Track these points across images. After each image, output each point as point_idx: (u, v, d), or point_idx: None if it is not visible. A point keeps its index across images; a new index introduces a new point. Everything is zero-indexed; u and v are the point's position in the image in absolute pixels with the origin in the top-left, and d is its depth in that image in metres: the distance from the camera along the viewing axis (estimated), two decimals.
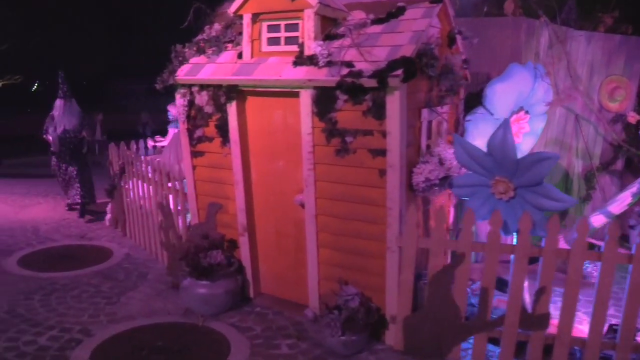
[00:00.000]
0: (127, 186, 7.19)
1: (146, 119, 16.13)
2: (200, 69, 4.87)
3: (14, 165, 14.28)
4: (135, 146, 7.86)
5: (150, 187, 6.32)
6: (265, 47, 4.62)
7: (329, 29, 4.42)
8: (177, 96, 5.03)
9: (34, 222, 8.20)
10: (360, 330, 4.24)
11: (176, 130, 8.41)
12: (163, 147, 8.68)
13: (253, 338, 4.55)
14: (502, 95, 5.08)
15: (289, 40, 4.50)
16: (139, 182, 6.67)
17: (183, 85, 4.98)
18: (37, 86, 34.32)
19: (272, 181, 4.92)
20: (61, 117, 7.84)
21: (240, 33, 4.80)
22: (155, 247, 6.50)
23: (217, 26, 5.13)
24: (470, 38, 4.70)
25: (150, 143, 8.56)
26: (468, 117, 5.16)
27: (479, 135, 5.01)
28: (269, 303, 5.21)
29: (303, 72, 4.24)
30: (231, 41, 4.94)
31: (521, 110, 5.38)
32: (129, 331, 4.63)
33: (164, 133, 9.61)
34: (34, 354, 4.20)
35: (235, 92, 4.66)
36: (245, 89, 4.66)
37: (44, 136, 8.06)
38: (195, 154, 5.20)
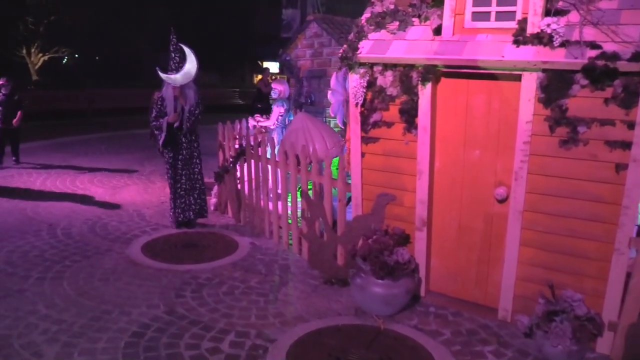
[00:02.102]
0: (245, 170, 6.76)
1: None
2: (386, 46, 4.38)
3: (71, 144, 13.89)
4: (239, 126, 7.41)
5: (281, 172, 5.88)
6: (470, 23, 4.12)
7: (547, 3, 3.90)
8: (353, 76, 4.55)
9: (134, 205, 7.81)
10: (587, 340, 3.82)
11: (282, 109, 7.96)
12: (264, 127, 8.22)
13: (447, 344, 4.15)
14: None
15: (502, 16, 4.00)
16: (262, 166, 6.25)
17: (362, 64, 4.49)
18: (66, 60, 33.86)
19: (460, 171, 4.46)
20: (180, 95, 6.34)
21: (430, 5, 4.30)
22: (287, 236, 6.09)
23: None
24: None
25: (251, 122, 8.09)
26: None
27: None
28: (442, 302, 4.81)
29: (531, 53, 3.74)
30: (417, 15, 4.42)
31: None
32: (312, 335, 4.23)
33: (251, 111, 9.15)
34: None
35: (432, 72, 4.18)
36: (444, 69, 4.17)
37: (158, 122, 6.48)
38: (366, 140, 4.74)
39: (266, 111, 13.47)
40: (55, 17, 27.25)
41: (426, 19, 4.36)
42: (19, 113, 10.49)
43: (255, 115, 8.40)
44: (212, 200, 7.55)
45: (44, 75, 29.96)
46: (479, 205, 4.43)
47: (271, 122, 8.27)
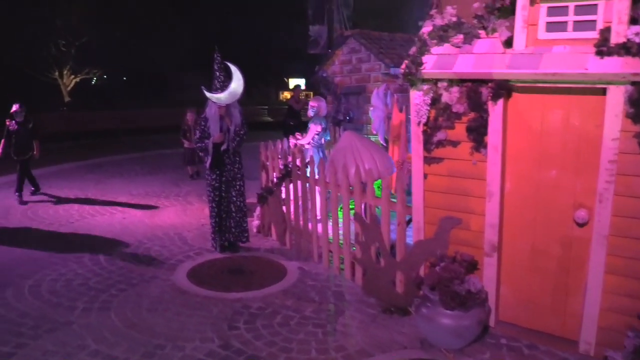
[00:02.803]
0: (290, 191, 6.52)
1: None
2: (452, 60, 4.12)
3: (105, 165, 13.86)
4: (280, 146, 7.20)
5: (332, 193, 5.63)
6: (544, 34, 3.83)
7: None
8: (415, 93, 4.28)
9: (174, 228, 7.63)
10: None
11: (319, 128, 7.73)
12: (302, 145, 7.98)
13: None
14: None
15: (580, 26, 3.70)
16: (310, 187, 6.00)
17: (425, 80, 4.22)
18: (95, 80, 34.35)
19: (534, 193, 4.15)
20: (226, 114, 6.14)
21: (497, 16, 4.02)
22: (338, 261, 5.82)
23: (450, 10, 4.36)
24: None
25: (292, 141, 7.86)
26: None
27: None
28: (513, 333, 4.46)
29: (618, 64, 3.44)
30: (483, 27, 4.15)
31: None
32: None
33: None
34: None
35: (505, 88, 3.89)
36: (518, 84, 3.88)
37: (203, 143, 6.25)
38: (429, 161, 4.46)
39: (298, 128, 13.32)
40: (85, 39, 27.73)
41: (493, 30, 4.09)
42: (36, 144, 9.30)
43: (296, 133, 8.16)
44: (255, 223, 7.33)
45: (76, 96, 30.42)
46: (555, 228, 4.11)
47: (306, 141, 8.03)
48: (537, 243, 4.24)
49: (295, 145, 7.91)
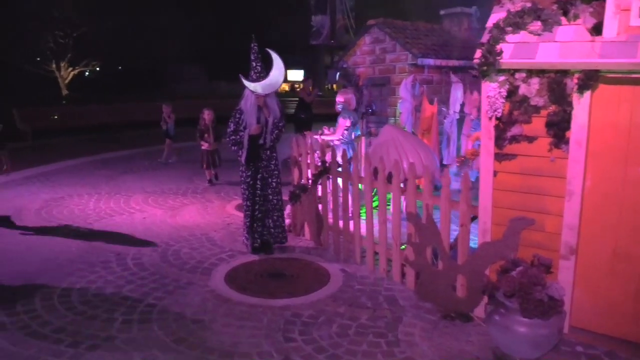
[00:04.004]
0: (328, 190, 6.19)
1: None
2: (532, 49, 3.79)
3: (114, 161, 13.44)
4: (309, 141, 6.85)
5: (380, 191, 5.32)
6: (637, 20, 3.50)
7: None
8: (489, 85, 3.95)
9: (199, 228, 7.28)
10: None
11: (348, 122, 7.40)
12: (331, 141, 7.64)
13: None
14: None
15: None
16: (353, 184, 5.68)
17: (500, 71, 3.89)
18: (89, 73, 33.64)
19: (619, 191, 3.85)
20: (264, 105, 5.75)
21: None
22: (385, 263, 5.52)
23: None
24: None
25: (320, 136, 7.52)
26: None
27: None
28: (588, 340, 4.19)
29: None
30: (563, 13, 3.82)
31: None
32: None
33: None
34: None
35: (594, 79, 3.58)
36: (608, 75, 3.57)
37: (237, 136, 5.88)
38: (500, 157, 4.15)
39: (310, 122, 12.96)
40: (83, 30, 27.07)
41: (575, 17, 3.76)
42: (3, 157, 6.86)
43: (324, 127, 7.81)
44: (286, 221, 6.98)
45: (73, 89, 29.79)
46: None
47: (337, 137, 7.69)
48: (619, 245, 3.95)
49: (324, 140, 7.58)
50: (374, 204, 5.73)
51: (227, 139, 6.00)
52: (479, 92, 8.25)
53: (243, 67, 5.78)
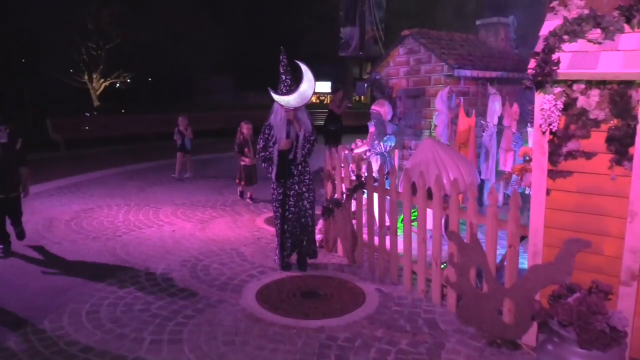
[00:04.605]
0: (363, 205, 5.96)
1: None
2: (593, 59, 3.52)
3: (143, 171, 13.42)
4: (343, 153, 6.64)
5: (420, 208, 5.06)
6: None
7: None
8: (543, 97, 3.68)
9: (229, 243, 7.11)
10: None
11: (371, 128, 7.17)
12: (364, 152, 7.42)
13: None
14: None
15: None
16: (391, 200, 5.43)
17: (556, 82, 3.62)
18: (119, 84, 34.11)
19: None
20: (295, 119, 5.61)
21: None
22: (424, 284, 5.24)
23: (577, 1, 3.76)
24: None
25: (346, 150, 7.29)
26: None
27: None
28: None
29: None
30: (626, 20, 3.54)
31: None
32: None
33: None
34: None
35: None
36: None
37: (267, 152, 5.71)
38: (554, 175, 3.86)
39: (340, 134, 12.76)
40: (116, 42, 27.48)
41: (639, 23, 3.47)
42: (25, 173, 6.43)
43: (357, 139, 7.60)
44: (317, 237, 6.77)
45: (105, 100, 30.23)
46: None
47: (367, 146, 7.48)
48: None
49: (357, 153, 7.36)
50: (413, 222, 5.47)
51: (257, 155, 5.82)
52: (519, 103, 7.96)
53: (275, 80, 5.61)
